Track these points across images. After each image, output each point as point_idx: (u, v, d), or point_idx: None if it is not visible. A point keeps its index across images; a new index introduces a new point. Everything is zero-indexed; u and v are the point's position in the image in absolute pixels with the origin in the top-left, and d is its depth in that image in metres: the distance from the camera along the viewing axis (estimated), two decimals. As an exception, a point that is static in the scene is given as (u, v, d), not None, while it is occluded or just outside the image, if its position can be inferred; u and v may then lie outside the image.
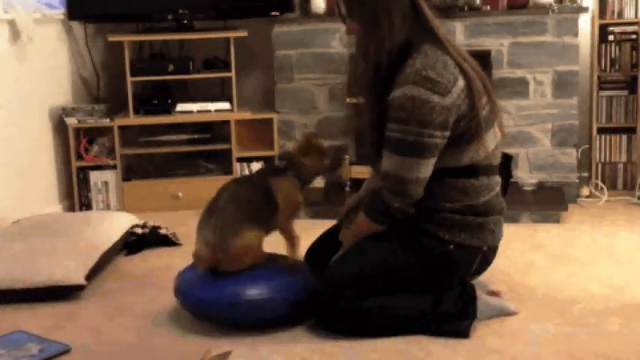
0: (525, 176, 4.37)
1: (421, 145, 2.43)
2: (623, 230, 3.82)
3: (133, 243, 3.63)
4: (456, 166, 2.53)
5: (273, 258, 2.75)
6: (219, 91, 4.77)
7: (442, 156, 2.49)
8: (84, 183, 4.41)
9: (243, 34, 4.45)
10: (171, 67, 4.47)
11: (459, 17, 4.30)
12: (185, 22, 4.53)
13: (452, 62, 2.48)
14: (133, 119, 4.45)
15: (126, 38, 4.42)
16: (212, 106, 4.52)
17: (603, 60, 4.39)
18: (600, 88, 4.43)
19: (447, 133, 2.46)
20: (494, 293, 2.82)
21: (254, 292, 2.58)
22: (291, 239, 2.74)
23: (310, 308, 2.61)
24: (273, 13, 4.47)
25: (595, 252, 3.46)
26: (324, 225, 2.99)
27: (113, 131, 4.40)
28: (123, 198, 4.42)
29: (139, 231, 3.69)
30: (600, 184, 4.45)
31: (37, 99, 4.19)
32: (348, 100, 4.45)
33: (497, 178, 2.66)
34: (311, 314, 2.63)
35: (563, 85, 4.31)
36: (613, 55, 4.37)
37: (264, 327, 2.61)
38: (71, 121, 4.33)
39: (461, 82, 2.47)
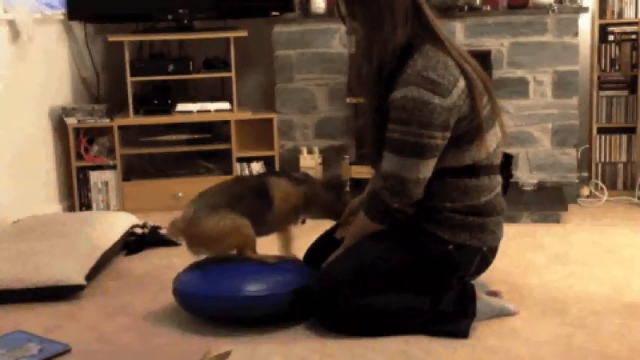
0: (525, 176, 4.37)
1: (422, 145, 2.43)
2: (623, 230, 3.82)
3: (133, 243, 3.63)
4: (457, 166, 2.53)
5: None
6: (219, 91, 4.77)
7: (443, 156, 2.49)
8: (84, 183, 4.41)
9: (243, 34, 4.45)
10: (171, 67, 4.47)
11: (459, 17, 4.30)
12: (185, 22, 4.53)
13: (453, 63, 2.48)
14: (133, 119, 4.45)
15: (126, 38, 4.42)
16: (212, 106, 4.52)
17: (603, 60, 4.39)
18: (600, 88, 4.43)
19: (448, 134, 2.46)
20: (494, 293, 2.82)
21: (254, 286, 2.59)
22: (286, 236, 2.78)
23: (310, 306, 2.62)
24: (273, 13, 4.47)
25: (595, 252, 3.46)
26: (324, 225, 2.99)
27: (113, 131, 4.40)
28: (123, 198, 4.42)
29: (139, 231, 3.69)
30: (600, 184, 4.45)
31: (37, 99, 4.19)
32: (348, 100, 4.45)
33: (499, 178, 2.66)
34: (310, 312, 2.63)
35: (563, 85, 4.32)
36: (613, 55, 4.37)
37: (263, 325, 2.61)
38: (71, 121, 4.33)
39: (462, 83, 2.47)
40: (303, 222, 2.86)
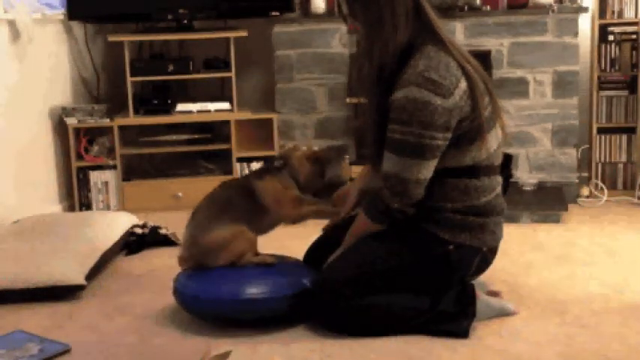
0: (525, 176, 4.37)
1: (422, 146, 2.43)
2: (623, 230, 3.82)
3: (133, 243, 3.63)
4: (457, 167, 2.53)
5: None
6: (219, 91, 4.77)
7: (444, 156, 2.49)
8: (84, 183, 4.41)
9: (243, 34, 4.45)
10: (171, 67, 4.47)
11: (459, 17, 4.30)
12: (185, 22, 4.54)
13: (454, 63, 2.47)
14: (133, 119, 4.45)
15: (126, 38, 4.42)
16: (212, 106, 4.52)
17: (603, 60, 4.39)
18: (600, 88, 4.43)
19: (449, 135, 2.46)
20: (494, 293, 2.82)
21: (254, 289, 2.59)
22: (315, 211, 2.75)
23: (310, 307, 2.62)
24: (273, 13, 4.47)
25: (595, 252, 3.46)
26: (324, 225, 2.98)
27: (113, 131, 4.40)
28: (123, 198, 4.42)
29: (139, 231, 3.69)
30: (600, 184, 4.45)
31: (37, 99, 4.19)
32: (348, 100, 4.45)
33: (499, 178, 2.66)
34: (310, 313, 2.63)
35: (563, 85, 4.32)
36: (613, 55, 4.37)
37: (263, 326, 2.61)
38: (71, 121, 4.33)
39: (463, 84, 2.46)
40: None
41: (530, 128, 4.37)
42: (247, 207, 2.71)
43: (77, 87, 4.62)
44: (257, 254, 2.76)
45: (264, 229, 2.77)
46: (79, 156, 4.42)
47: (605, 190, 4.41)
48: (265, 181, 2.74)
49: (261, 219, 2.73)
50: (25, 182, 4.01)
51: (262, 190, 2.72)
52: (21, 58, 4.01)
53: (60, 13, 4.39)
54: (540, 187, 4.35)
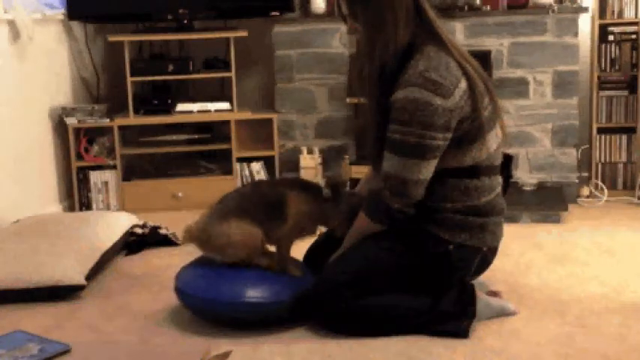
0: (525, 176, 4.37)
1: (423, 146, 2.43)
2: (623, 230, 3.82)
3: (133, 243, 3.63)
4: (458, 167, 2.53)
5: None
6: (219, 91, 4.77)
7: (444, 156, 2.49)
8: (84, 183, 4.41)
9: (243, 34, 4.45)
10: (171, 67, 4.47)
11: (459, 17, 4.30)
12: (185, 22, 4.53)
13: (454, 64, 2.47)
14: (133, 119, 4.45)
15: (126, 38, 4.42)
16: (212, 106, 4.52)
17: (603, 60, 4.39)
18: (600, 88, 4.43)
19: (449, 135, 2.46)
20: (494, 293, 2.82)
21: (254, 291, 2.59)
22: (279, 259, 2.72)
23: (310, 308, 2.61)
24: (273, 13, 4.48)
25: (595, 252, 3.46)
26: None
27: (113, 131, 4.40)
28: (123, 198, 4.42)
29: (139, 231, 3.69)
30: (600, 184, 4.45)
31: (37, 99, 4.19)
32: (348, 100, 4.45)
33: (499, 179, 2.66)
34: (311, 313, 2.63)
35: (563, 85, 4.32)
36: (613, 55, 4.37)
37: (264, 326, 2.61)
38: (71, 121, 4.33)
39: (463, 84, 2.46)
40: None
41: (530, 128, 4.38)
42: (269, 212, 2.67)
43: (77, 87, 4.61)
44: (267, 253, 2.74)
45: (275, 240, 2.73)
46: (79, 156, 4.42)
47: (605, 190, 4.41)
48: (301, 198, 2.68)
49: (276, 229, 2.68)
50: (25, 182, 4.01)
51: (292, 202, 2.67)
52: (21, 58, 4.01)
53: (60, 13, 4.39)
54: (540, 187, 4.35)
